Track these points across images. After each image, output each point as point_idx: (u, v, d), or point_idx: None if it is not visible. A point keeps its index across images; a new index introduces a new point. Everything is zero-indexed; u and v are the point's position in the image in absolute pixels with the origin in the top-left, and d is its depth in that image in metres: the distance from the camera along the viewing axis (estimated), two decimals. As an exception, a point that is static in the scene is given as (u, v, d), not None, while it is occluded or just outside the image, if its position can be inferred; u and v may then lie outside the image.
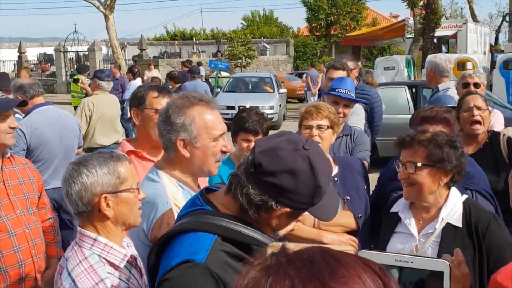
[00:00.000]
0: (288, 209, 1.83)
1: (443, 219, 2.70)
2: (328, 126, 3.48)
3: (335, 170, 3.47)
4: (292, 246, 1.08)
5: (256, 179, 1.80)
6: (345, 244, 3.23)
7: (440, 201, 2.75)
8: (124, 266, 2.24)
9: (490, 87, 18.24)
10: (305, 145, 1.83)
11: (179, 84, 13.52)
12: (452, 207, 2.72)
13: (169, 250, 1.89)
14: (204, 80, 19.72)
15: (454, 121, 3.69)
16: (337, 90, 4.59)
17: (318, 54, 42.41)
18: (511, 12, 28.15)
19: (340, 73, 5.58)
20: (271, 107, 18.60)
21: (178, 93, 2.74)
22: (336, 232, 3.31)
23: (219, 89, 22.63)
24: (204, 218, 1.88)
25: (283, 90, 21.44)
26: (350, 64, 6.40)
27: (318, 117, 3.47)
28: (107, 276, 2.13)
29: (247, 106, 15.38)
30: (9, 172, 3.52)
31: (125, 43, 41.06)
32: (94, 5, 29.43)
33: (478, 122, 4.31)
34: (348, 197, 3.43)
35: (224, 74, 27.79)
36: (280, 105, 19.78)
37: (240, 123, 3.87)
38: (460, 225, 2.66)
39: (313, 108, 3.53)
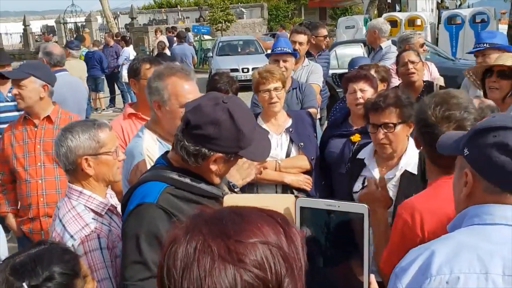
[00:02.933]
0: (220, 154, 1.90)
1: (402, 167, 2.77)
2: (282, 86, 3.53)
3: (289, 122, 3.55)
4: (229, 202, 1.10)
5: (188, 134, 1.88)
6: (303, 182, 3.35)
7: (403, 151, 2.83)
8: (106, 213, 2.35)
9: (436, 40, 18.29)
10: (224, 99, 1.89)
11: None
12: (410, 156, 2.80)
13: (130, 197, 2.00)
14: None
15: (373, 76, 3.81)
16: (274, 50, 4.70)
17: (290, 16, 41.81)
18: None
19: (302, 37, 5.66)
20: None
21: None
22: (294, 173, 3.40)
23: (203, 52, 22.51)
24: (159, 171, 1.99)
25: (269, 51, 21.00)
26: (321, 31, 6.47)
27: (274, 80, 3.48)
28: (91, 221, 2.25)
29: (250, 68, 15.25)
30: (46, 130, 3.64)
31: (118, 13, 40.16)
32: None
33: (413, 73, 4.49)
34: (302, 144, 3.51)
35: (206, 37, 27.52)
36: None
37: (213, 84, 3.94)
38: (416, 172, 2.74)
39: (267, 73, 3.52)
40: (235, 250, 0.93)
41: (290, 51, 4.76)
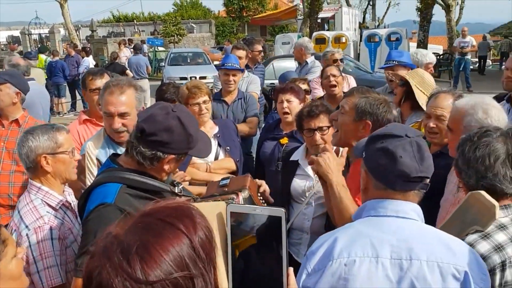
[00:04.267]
0: (173, 156, 1.96)
1: None
2: (209, 99, 3.51)
3: (216, 129, 3.54)
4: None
5: (143, 140, 1.91)
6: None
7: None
8: (60, 208, 2.34)
9: (358, 55, 18.77)
10: (173, 108, 1.94)
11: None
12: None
13: (89, 198, 1.99)
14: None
15: (299, 88, 3.92)
16: (225, 64, 4.68)
17: (235, 31, 41.83)
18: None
19: (241, 52, 5.72)
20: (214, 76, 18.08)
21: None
22: (223, 173, 3.36)
23: (157, 62, 22.15)
24: (112, 173, 2.00)
25: (216, 62, 21.01)
26: (257, 46, 6.54)
27: (202, 94, 3.46)
28: (46, 214, 2.25)
29: (197, 77, 15.14)
30: (12, 131, 3.62)
31: (79, 26, 38.85)
32: (51, -4, 27.53)
33: (334, 85, 4.63)
34: (228, 148, 3.52)
35: (160, 49, 27.14)
36: (217, 74, 19.19)
37: (161, 94, 3.90)
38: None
39: (196, 89, 3.47)
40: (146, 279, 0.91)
41: (239, 67, 4.78)
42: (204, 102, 3.46)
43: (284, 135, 3.76)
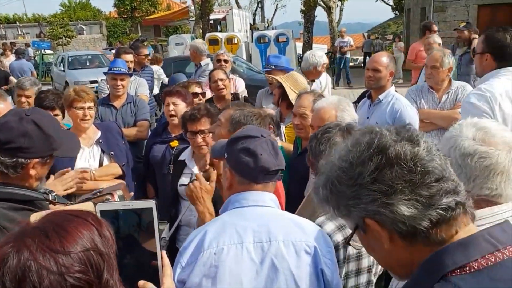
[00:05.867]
0: (37, 160, 1.89)
1: None
2: (93, 106, 3.46)
3: (99, 134, 3.48)
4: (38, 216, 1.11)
5: (1, 150, 1.85)
6: (118, 187, 3.37)
7: None
8: None
9: (250, 56, 19.28)
10: (27, 112, 1.91)
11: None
12: None
13: None
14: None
15: (186, 92, 4.01)
16: (112, 69, 4.66)
17: (127, 32, 40.58)
18: (262, 0, 29.63)
19: (128, 56, 5.69)
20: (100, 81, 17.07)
21: None
22: (108, 180, 3.34)
23: (45, 65, 20.80)
24: None
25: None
26: (143, 50, 6.52)
27: (89, 100, 3.41)
28: None
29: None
30: None
31: (-48, 28, 35.10)
32: None
33: (222, 88, 4.78)
34: (112, 152, 3.48)
35: (48, 51, 25.51)
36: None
37: (40, 101, 3.73)
38: None
39: (83, 93, 3.42)
40: (62, 263, 0.96)
41: (127, 71, 4.74)
42: (89, 108, 3.40)
43: (174, 138, 3.80)
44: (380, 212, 1.01)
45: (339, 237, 1.94)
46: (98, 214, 1.45)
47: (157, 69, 9.78)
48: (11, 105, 2.52)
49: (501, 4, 16.33)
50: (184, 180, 3.05)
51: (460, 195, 1.03)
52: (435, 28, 7.52)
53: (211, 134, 2.97)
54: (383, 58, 3.76)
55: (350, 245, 2.49)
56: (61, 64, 18.54)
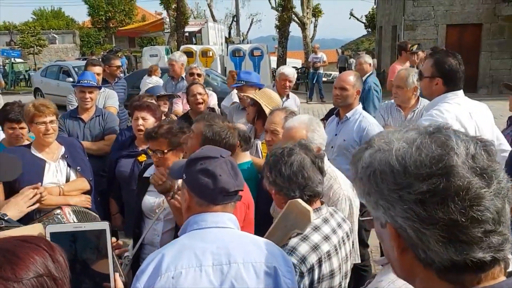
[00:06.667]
0: None
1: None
2: (56, 120, 3.34)
3: (63, 150, 3.40)
4: None
5: None
6: (85, 202, 3.26)
7: None
8: None
9: (225, 69, 19.25)
10: None
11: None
12: None
13: None
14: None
15: (155, 105, 3.95)
16: (81, 82, 4.58)
17: (101, 42, 40.21)
18: (237, 14, 29.80)
19: (97, 68, 5.61)
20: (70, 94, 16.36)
21: None
22: (76, 195, 3.31)
23: (14, 74, 20.25)
24: None
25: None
26: (115, 62, 6.42)
27: (50, 113, 3.29)
28: None
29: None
30: None
31: None
32: None
33: (201, 103, 4.76)
34: (79, 168, 3.41)
35: (18, 60, 24.96)
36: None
37: (5, 114, 3.67)
38: None
39: (44, 107, 3.28)
40: None
41: (95, 84, 4.67)
42: (51, 122, 3.29)
43: (141, 152, 3.75)
44: (407, 231, 0.89)
45: (313, 258, 1.94)
46: (48, 236, 1.42)
47: (156, 80, 9.58)
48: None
49: (468, 24, 16.90)
50: (148, 198, 2.99)
51: (502, 252, 0.87)
52: (409, 47, 7.69)
53: (168, 154, 2.86)
54: (350, 77, 3.82)
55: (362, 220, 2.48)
56: (59, 75, 17.16)
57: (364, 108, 6.10)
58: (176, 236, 2.66)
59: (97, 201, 3.58)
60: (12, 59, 23.11)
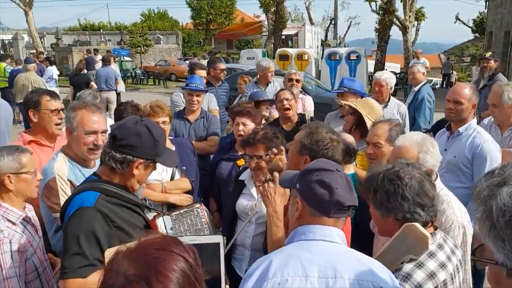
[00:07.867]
0: (141, 160, 2.12)
1: None
2: (169, 121, 3.58)
3: (173, 149, 3.50)
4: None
5: (114, 146, 2.09)
6: (185, 201, 3.37)
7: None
8: (20, 222, 2.42)
9: (320, 73, 19.08)
10: (142, 119, 2.18)
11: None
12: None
13: (69, 205, 2.13)
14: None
15: (256, 111, 3.97)
16: (189, 85, 4.76)
17: (201, 43, 41.99)
18: (335, 17, 29.38)
19: (203, 72, 5.84)
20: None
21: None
22: (178, 193, 3.43)
23: (123, 72, 21.83)
24: (92, 183, 2.15)
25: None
26: (219, 65, 6.60)
27: (163, 115, 3.51)
28: (5, 229, 2.33)
29: None
30: None
31: (44, 33, 37.93)
32: (14, 2, 26.80)
33: (288, 109, 4.71)
34: (184, 168, 3.56)
35: (126, 59, 26.96)
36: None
37: (119, 114, 3.92)
38: None
39: (158, 108, 3.50)
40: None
41: (203, 88, 4.86)
42: (164, 122, 3.49)
43: (241, 156, 3.81)
44: None
45: (430, 286, 1.83)
46: None
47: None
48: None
49: None
50: (242, 201, 3.06)
51: None
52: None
53: (268, 157, 2.89)
54: (466, 90, 3.55)
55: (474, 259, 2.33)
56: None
57: (414, 119, 5.84)
58: (265, 241, 2.70)
59: (200, 201, 3.70)
60: (122, 57, 24.95)
